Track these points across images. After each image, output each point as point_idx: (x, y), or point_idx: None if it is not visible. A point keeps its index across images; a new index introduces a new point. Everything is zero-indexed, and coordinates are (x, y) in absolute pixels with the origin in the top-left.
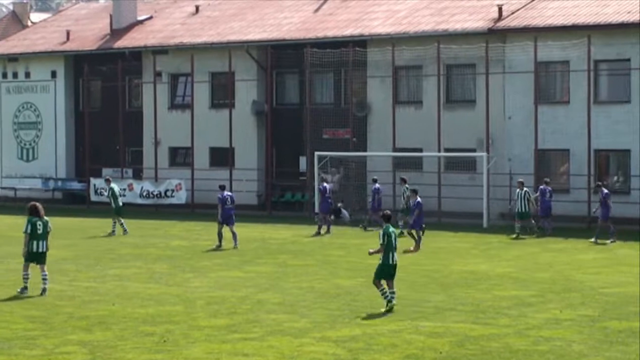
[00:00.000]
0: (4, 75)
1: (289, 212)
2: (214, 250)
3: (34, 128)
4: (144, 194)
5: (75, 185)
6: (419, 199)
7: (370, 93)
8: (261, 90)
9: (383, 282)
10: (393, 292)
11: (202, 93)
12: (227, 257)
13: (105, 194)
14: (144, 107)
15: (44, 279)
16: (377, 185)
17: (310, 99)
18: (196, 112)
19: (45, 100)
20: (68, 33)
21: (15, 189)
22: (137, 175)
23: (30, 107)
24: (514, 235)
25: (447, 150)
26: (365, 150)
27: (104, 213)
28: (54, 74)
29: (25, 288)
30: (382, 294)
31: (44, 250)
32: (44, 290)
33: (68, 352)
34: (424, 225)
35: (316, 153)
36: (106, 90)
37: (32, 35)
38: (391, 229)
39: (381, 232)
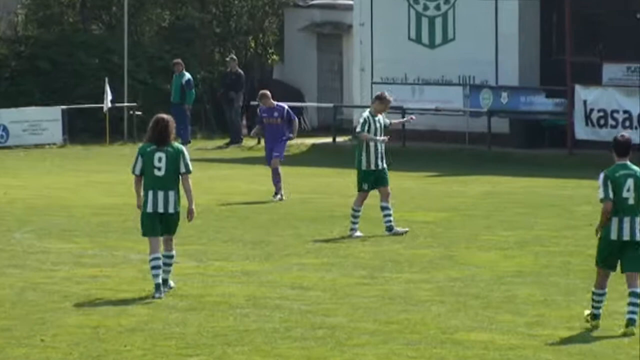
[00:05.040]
0: None
1: None
2: None
3: None
4: None
5: (542, 102)
6: None
7: None
8: None
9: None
10: (635, 298)
11: None
12: None
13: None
14: None
15: (167, 264)
16: None
17: None
18: None
19: None
20: None
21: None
22: None
23: None
24: None
25: None
26: None
27: None
28: None
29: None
30: (594, 302)
31: (172, 210)
32: (164, 282)
33: None
34: None
35: None
36: None
37: None
38: (624, 170)
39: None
